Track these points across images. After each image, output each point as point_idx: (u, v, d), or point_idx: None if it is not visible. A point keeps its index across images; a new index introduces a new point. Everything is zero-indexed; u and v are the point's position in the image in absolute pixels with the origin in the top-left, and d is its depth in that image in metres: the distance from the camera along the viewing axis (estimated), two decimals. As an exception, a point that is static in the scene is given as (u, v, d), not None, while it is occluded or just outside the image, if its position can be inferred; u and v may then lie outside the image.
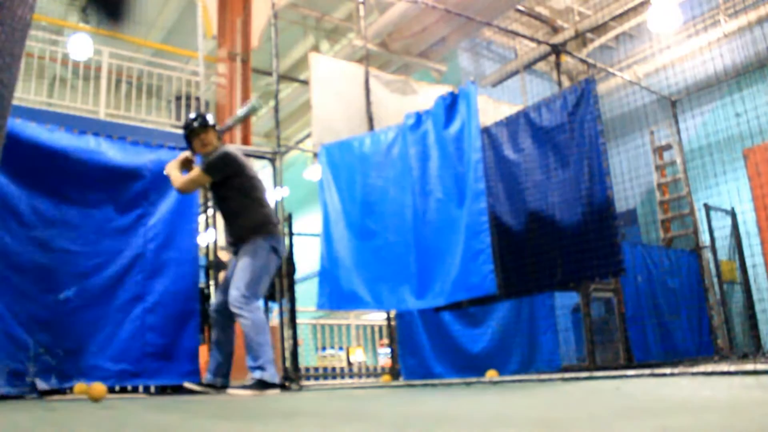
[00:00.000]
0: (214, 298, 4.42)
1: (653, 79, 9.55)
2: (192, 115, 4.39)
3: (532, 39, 8.40)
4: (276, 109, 5.69)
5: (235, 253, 4.28)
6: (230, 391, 4.04)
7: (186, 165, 4.38)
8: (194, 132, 4.30)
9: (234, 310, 4.04)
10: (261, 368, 3.94)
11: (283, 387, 4.79)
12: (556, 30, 11.15)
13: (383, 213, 5.08)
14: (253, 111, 4.79)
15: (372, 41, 9.26)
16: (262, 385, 3.90)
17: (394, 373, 6.78)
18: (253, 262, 4.12)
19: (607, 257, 4.47)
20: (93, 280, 4.35)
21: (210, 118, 4.37)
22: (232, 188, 4.24)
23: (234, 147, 4.51)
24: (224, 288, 4.26)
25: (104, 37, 9.93)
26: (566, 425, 1.37)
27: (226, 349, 4.25)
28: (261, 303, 4.23)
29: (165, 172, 4.36)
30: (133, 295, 4.47)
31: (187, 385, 4.34)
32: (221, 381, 4.21)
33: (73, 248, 4.32)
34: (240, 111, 4.95)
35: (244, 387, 3.97)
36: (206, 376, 4.27)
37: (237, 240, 4.27)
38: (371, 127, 6.12)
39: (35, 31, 8.52)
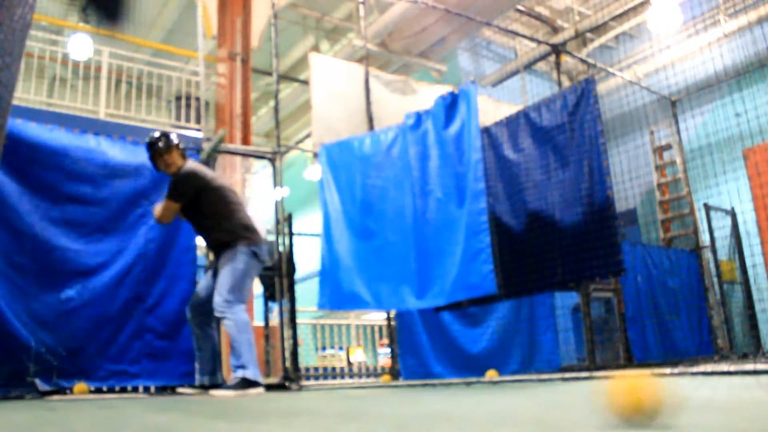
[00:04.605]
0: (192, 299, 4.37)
1: (653, 79, 9.55)
2: (156, 134, 4.27)
3: (532, 39, 8.39)
4: (276, 109, 5.69)
5: (217, 259, 4.29)
6: (212, 392, 4.04)
7: None
8: (158, 153, 4.22)
9: (218, 314, 4.09)
10: (243, 367, 3.95)
11: (283, 387, 4.79)
12: (556, 30, 11.16)
13: (383, 213, 5.08)
14: (220, 142, 4.85)
15: (372, 41, 9.26)
16: (244, 383, 3.91)
17: (394, 373, 6.78)
18: (234, 267, 4.13)
19: (607, 257, 4.47)
20: (95, 279, 4.35)
21: (174, 138, 4.27)
22: (202, 204, 4.22)
23: (194, 163, 4.41)
24: (201, 290, 4.28)
25: (104, 37, 9.93)
26: (566, 425, 1.37)
27: (205, 346, 4.27)
28: (244, 305, 4.19)
29: (155, 215, 4.28)
30: (135, 294, 4.47)
31: (180, 389, 4.35)
32: (208, 380, 4.22)
33: (74, 247, 4.31)
34: (211, 143, 5.03)
35: (228, 387, 3.97)
36: (197, 377, 4.28)
37: (217, 249, 4.29)
38: (371, 127, 6.12)
39: (35, 31, 8.52)
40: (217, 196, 4.24)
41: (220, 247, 4.26)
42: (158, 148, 4.22)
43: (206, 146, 5.14)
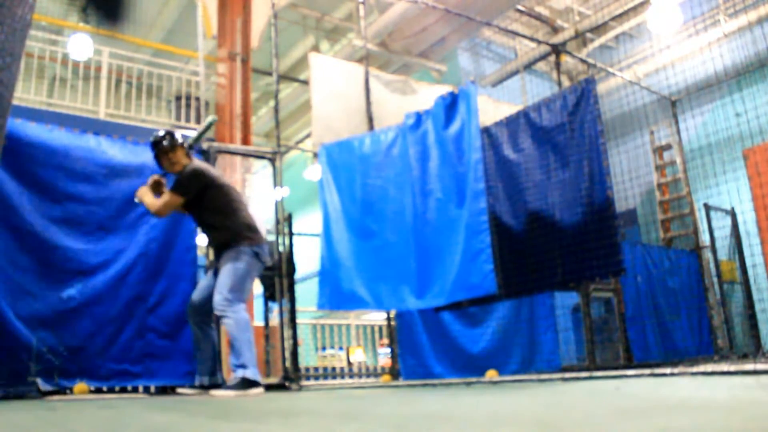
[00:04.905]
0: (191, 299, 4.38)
1: (653, 79, 9.55)
2: (160, 133, 4.27)
3: (532, 39, 8.40)
4: (276, 109, 5.69)
5: (218, 258, 4.29)
6: (213, 392, 4.04)
7: (157, 188, 4.29)
8: (162, 151, 4.22)
9: (218, 313, 4.08)
10: (243, 366, 3.95)
11: (283, 387, 4.79)
12: (556, 30, 11.15)
13: (383, 213, 5.08)
14: (210, 126, 4.82)
15: (372, 41, 9.26)
16: (244, 383, 3.90)
17: (394, 373, 6.78)
18: (236, 266, 4.13)
19: (607, 257, 4.47)
20: (96, 278, 4.34)
21: (179, 137, 4.28)
22: (206, 202, 4.22)
23: (200, 161, 4.44)
24: (201, 290, 4.28)
25: (104, 37, 9.93)
26: (566, 425, 1.37)
27: (205, 346, 4.26)
28: (244, 305, 4.19)
29: (136, 199, 4.25)
30: (136, 294, 4.47)
31: (180, 389, 4.35)
32: (208, 380, 4.22)
33: (75, 246, 4.31)
34: (199, 128, 4.98)
35: (228, 387, 3.97)
36: (197, 378, 4.29)
37: (219, 248, 4.28)
38: (371, 127, 6.12)
39: (35, 31, 8.52)
40: (221, 194, 4.25)
41: (222, 246, 4.26)
42: (163, 147, 4.22)
43: (206, 146, 5.14)
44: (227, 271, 4.13)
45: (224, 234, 4.23)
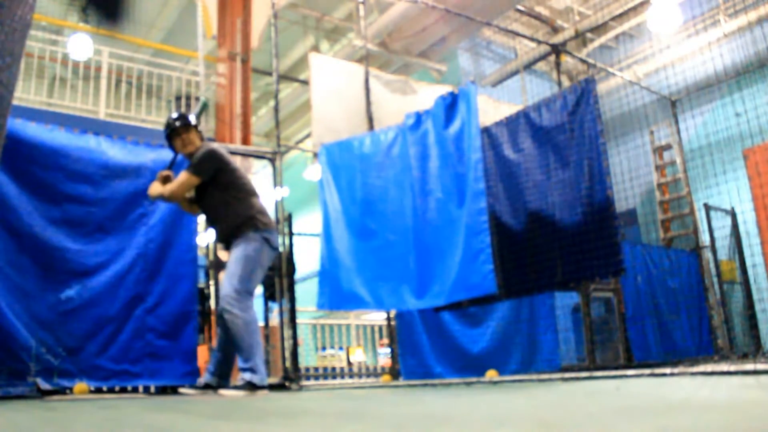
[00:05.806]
0: (216, 299, 4.34)
1: (653, 79, 9.55)
2: (174, 115, 4.27)
3: (532, 39, 8.40)
4: (276, 109, 5.69)
5: (227, 248, 4.20)
6: (221, 391, 4.00)
7: (166, 182, 4.25)
8: (176, 132, 4.19)
9: (226, 307, 3.91)
10: (252, 370, 3.85)
11: (283, 387, 4.79)
12: (556, 30, 11.15)
13: (383, 213, 5.08)
14: (204, 108, 4.77)
15: (372, 41, 9.26)
16: (251, 386, 3.83)
17: (394, 373, 6.78)
18: (246, 254, 4.00)
19: (607, 257, 4.47)
20: (95, 278, 4.34)
21: (192, 118, 4.26)
22: (218, 185, 4.13)
23: (213, 143, 4.42)
24: None
25: (104, 37, 9.94)
26: (566, 425, 1.37)
27: (228, 350, 4.12)
28: (254, 301, 4.09)
29: (151, 197, 4.20)
30: (135, 294, 4.46)
31: (183, 390, 4.32)
32: (219, 381, 4.15)
33: (74, 247, 4.31)
34: (194, 111, 4.94)
35: (235, 387, 3.92)
36: (205, 375, 4.22)
37: (229, 236, 4.14)
38: (371, 127, 6.12)
39: (35, 31, 8.52)
40: (234, 177, 4.18)
41: (231, 230, 4.10)
42: (176, 128, 4.18)
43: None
44: (237, 259, 4.00)
45: (234, 219, 4.09)
